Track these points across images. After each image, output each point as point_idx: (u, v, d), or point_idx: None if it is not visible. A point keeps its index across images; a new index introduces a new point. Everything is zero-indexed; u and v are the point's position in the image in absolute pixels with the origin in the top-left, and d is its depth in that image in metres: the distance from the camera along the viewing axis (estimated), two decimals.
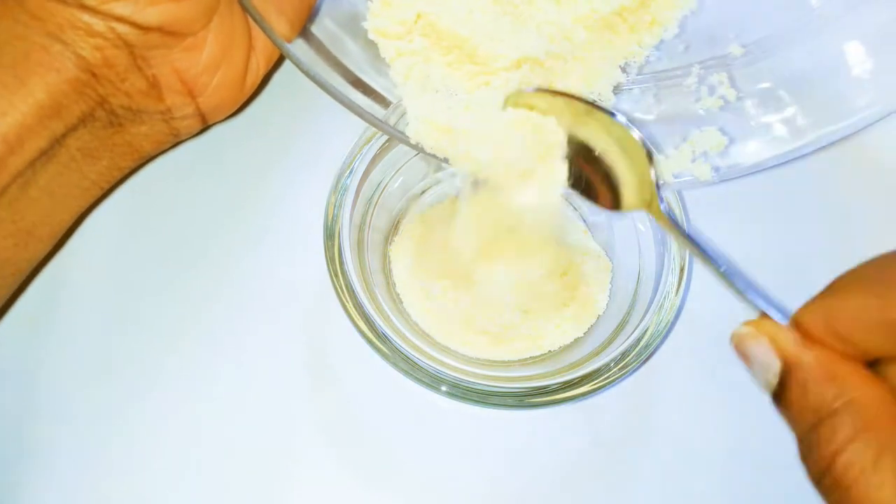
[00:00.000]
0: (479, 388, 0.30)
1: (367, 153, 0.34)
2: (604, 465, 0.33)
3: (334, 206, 0.33)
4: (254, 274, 0.35)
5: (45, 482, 0.31)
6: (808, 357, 0.20)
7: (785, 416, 0.21)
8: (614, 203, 0.28)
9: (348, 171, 0.33)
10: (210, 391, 0.33)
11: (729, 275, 0.24)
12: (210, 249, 0.35)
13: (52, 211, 0.30)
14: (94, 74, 0.28)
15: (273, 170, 0.37)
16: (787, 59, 0.32)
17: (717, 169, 0.31)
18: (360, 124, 0.34)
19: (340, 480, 0.32)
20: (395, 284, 0.34)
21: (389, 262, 0.35)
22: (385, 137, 0.34)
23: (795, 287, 0.36)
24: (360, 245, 0.34)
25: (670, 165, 0.31)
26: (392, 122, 0.30)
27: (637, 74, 0.33)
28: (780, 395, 0.21)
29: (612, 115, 0.27)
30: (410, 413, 0.33)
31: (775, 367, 0.21)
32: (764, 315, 0.22)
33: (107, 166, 0.31)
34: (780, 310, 0.22)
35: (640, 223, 0.35)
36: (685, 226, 0.32)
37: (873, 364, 0.20)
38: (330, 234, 0.32)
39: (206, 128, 0.34)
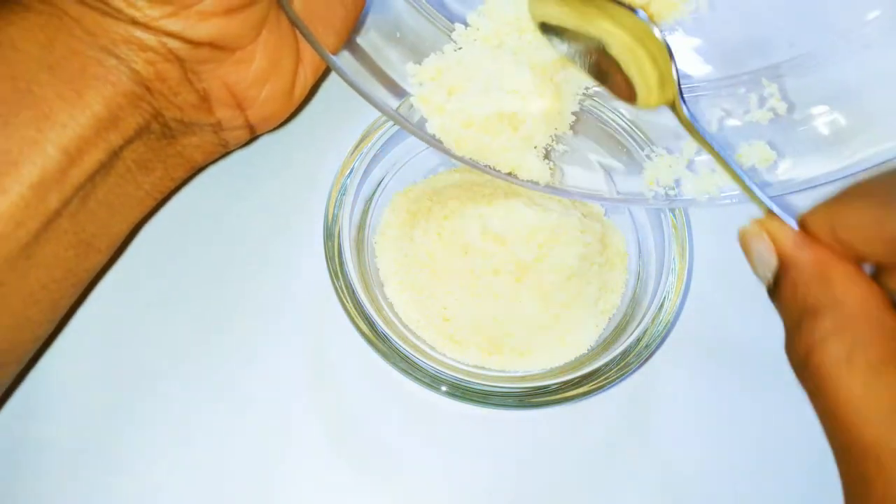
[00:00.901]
0: (479, 388, 0.30)
1: (367, 153, 0.34)
2: (603, 465, 0.33)
3: (334, 205, 0.33)
4: (253, 274, 0.35)
5: (46, 480, 0.31)
6: (802, 258, 0.21)
7: (777, 308, 0.22)
8: (633, 98, 0.28)
9: (348, 171, 0.33)
10: (210, 391, 0.33)
11: (742, 176, 0.25)
12: (209, 250, 0.35)
13: (110, 222, 0.30)
14: (148, 88, 0.28)
15: (273, 168, 0.37)
16: (840, 72, 0.31)
17: (766, 185, 0.30)
18: (360, 125, 0.34)
19: (341, 480, 0.32)
20: (387, 296, 0.34)
21: (378, 270, 0.34)
22: (384, 137, 0.34)
23: None
24: (359, 245, 0.34)
25: (716, 180, 0.30)
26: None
27: (687, 84, 0.32)
28: (775, 290, 0.22)
29: (633, 11, 0.27)
30: (410, 413, 0.33)
31: (772, 263, 0.22)
32: (770, 214, 0.23)
33: (160, 177, 0.31)
34: (790, 212, 0.23)
35: (639, 223, 0.35)
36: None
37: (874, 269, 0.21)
38: (330, 234, 0.32)
39: (254, 138, 0.34)
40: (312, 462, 0.32)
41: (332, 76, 0.38)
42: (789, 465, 0.33)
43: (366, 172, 0.34)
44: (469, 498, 0.32)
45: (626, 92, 0.28)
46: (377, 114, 0.34)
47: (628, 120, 0.33)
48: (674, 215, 0.33)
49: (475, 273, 0.32)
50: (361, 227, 0.34)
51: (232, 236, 0.36)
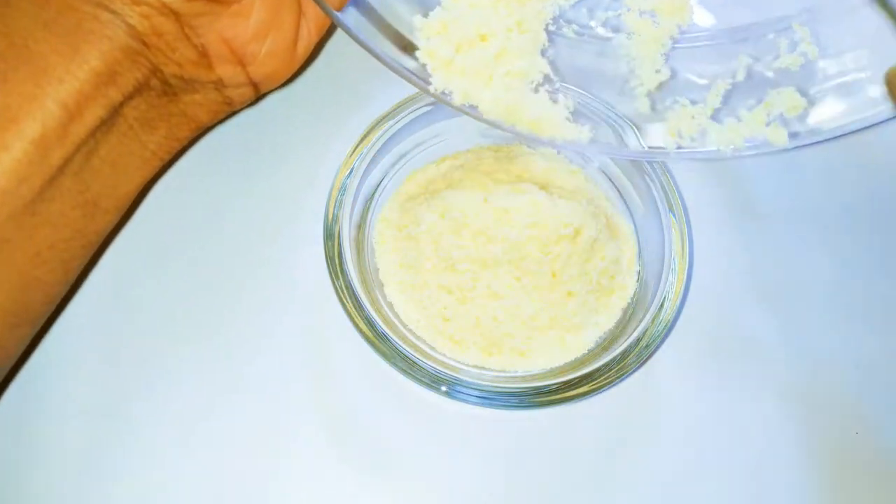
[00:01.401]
0: (479, 388, 0.30)
1: (367, 153, 0.34)
2: (604, 465, 0.33)
3: (334, 205, 0.33)
4: (253, 274, 0.35)
5: (48, 481, 0.31)
6: None
7: None
8: None
9: (348, 171, 0.33)
10: (210, 391, 0.33)
11: None
12: (209, 250, 0.35)
13: (116, 182, 0.30)
14: (145, 43, 0.28)
15: (273, 168, 0.37)
16: (875, 13, 0.29)
17: (794, 134, 0.29)
18: (361, 122, 0.34)
19: (340, 480, 0.32)
20: (387, 296, 0.34)
21: (378, 270, 0.34)
22: (384, 137, 0.34)
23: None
24: (359, 245, 0.34)
25: (742, 129, 0.29)
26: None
27: (714, 29, 0.31)
28: None
29: None
30: (410, 413, 0.33)
31: None
32: None
33: (164, 136, 0.31)
34: None
35: (640, 222, 0.35)
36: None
37: None
38: (330, 234, 0.32)
39: (260, 97, 0.34)
40: (312, 462, 0.32)
41: (332, 66, 0.38)
42: (789, 464, 0.33)
43: (366, 172, 0.34)
44: (468, 498, 0.32)
45: None
46: (377, 113, 0.34)
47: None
48: (674, 215, 0.33)
49: (474, 273, 0.32)
50: (361, 227, 0.34)
51: (232, 236, 0.36)
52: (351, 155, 0.34)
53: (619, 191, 0.36)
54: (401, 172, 0.36)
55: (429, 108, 0.34)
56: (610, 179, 0.36)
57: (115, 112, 0.28)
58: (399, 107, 0.34)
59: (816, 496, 0.33)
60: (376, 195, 0.35)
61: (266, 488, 0.31)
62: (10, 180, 0.26)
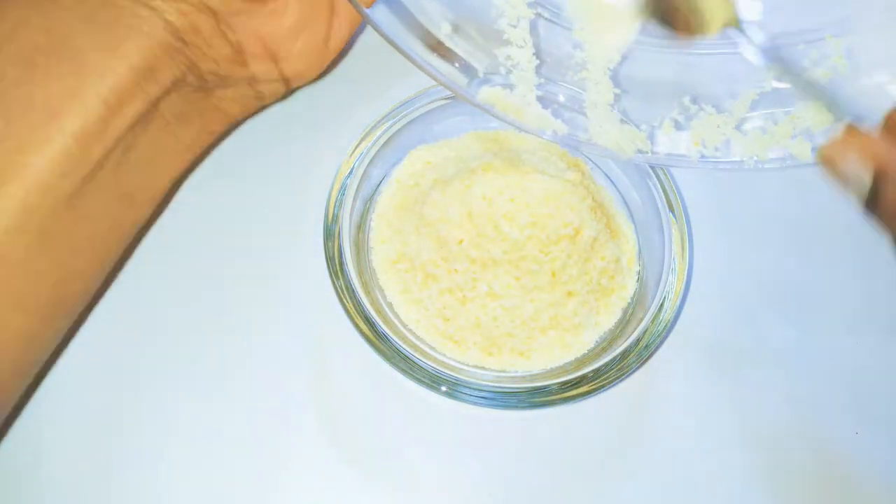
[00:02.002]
0: (478, 388, 0.30)
1: (367, 153, 0.34)
2: (603, 465, 0.33)
3: (334, 205, 0.33)
4: (254, 274, 0.35)
5: (51, 478, 0.31)
6: None
7: (879, 219, 0.21)
8: (692, 29, 0.27)
9: (348, 171, 0.33)
10: (209, 391, 0.33)
11: (819, 89, 0.24)
12: (209, 250, 0.35)
13: (151, 175, 0.30)
14: (182, 40, 0.28)
15: (274, 168, 0.37)
16: None
17: (817, 149, 0.27)
18: (361, 122, 0.34)
19: (340, 480, 0.32)
20: (387, 296, 0.34)
21: (377, 270, 0.34)
22: (384, 137, 0.34)
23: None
24: (359, 245, 0.34)
25: (767, 141, 0.28)
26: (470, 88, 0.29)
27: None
28: (873, 201, 0.21)
29: None
30: (410, 413, 0.33)
31: (867, 177, 0.21)
32: (850, 128, 0.22)
33: (198, 130, 0.32)
34: (859, 118, 0.22)
35: (640, 222, 0.35)
36: None
37: None
38: (330, 234, 0.32)
39: (290, 92, 0.34)
40: (312, 462, 0.32)
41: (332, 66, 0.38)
42: (788, 464, 0.33)
43: (366, 172, 0.34)
44: (468, 498, 0.32)
45: (685, 25, 0.27)
46: (377, 113, 0.34)
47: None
48: (674, 215, 0.33)
49: (475, 273, 0.32)
50: (361, 227, 0.34)
51: (232, 236, 0.36)
52: (351, 155, 0.34)
53: (619, 191, 0.36)
54: (401, 172, 0.36)
55: (429, 107, 0.34)
56: (610, 179, 0.36)
57: (153, 107, 0.29)
58: (399, 106, 0.34)
59: (817, 495, 0.33)
60: (376, 195, 0.35)
61: (266, 488, 0.31)
62: (52, 175, 0.26)
